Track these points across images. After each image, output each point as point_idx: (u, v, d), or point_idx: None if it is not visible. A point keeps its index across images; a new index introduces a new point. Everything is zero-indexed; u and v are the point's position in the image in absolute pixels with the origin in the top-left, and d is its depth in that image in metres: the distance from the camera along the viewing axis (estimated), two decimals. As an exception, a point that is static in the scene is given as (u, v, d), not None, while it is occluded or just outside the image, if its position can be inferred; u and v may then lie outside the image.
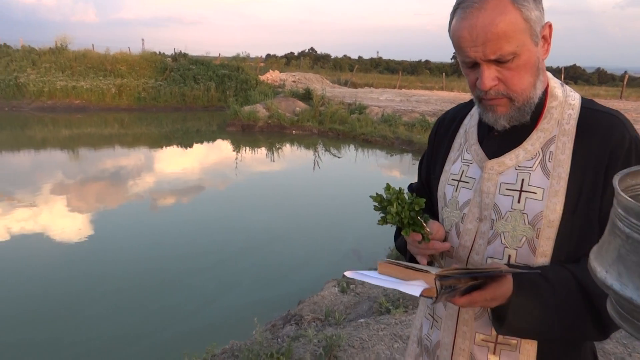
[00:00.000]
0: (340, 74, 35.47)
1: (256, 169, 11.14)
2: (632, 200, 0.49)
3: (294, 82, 24.78)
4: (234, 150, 13.49)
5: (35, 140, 14.32)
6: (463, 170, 1.15)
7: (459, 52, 1.00)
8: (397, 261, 0.99)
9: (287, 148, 13.88)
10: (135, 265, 5.46)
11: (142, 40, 29.56)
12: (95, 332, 4.10)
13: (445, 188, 1.19)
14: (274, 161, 12.18)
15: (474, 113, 1.18)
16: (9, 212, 7.26)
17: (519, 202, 1.03)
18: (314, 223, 7.35)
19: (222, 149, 14.07)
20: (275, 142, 14.25)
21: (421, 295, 0.89)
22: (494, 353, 1.07)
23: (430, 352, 1.20)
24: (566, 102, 1.08)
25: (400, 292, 0.93)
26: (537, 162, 1.04)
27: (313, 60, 44.48)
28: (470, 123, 1.21)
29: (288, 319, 4.04)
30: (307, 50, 61.45)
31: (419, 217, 1.02)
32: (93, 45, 23.08)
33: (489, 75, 0.98)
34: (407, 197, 1.01)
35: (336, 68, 41.19)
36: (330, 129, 14.92)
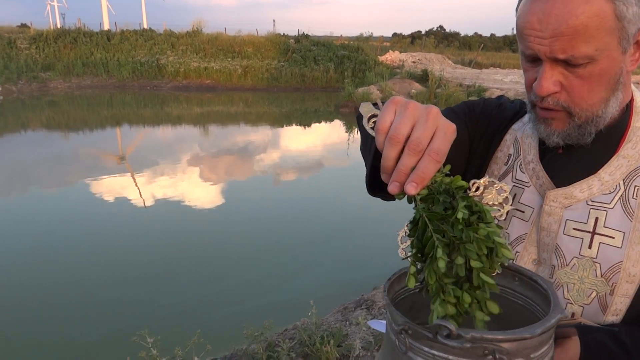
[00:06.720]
0: (466, 53, 33.92)
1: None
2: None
3: (414, 62, 24.26)
4: (346, 132, 13.77)
5: (171, 116, 16.01)
6: (515, 194, 0.93)
7: (520, 39, 0.80)
8: None
9: (399, 131, 13.78)
10: (240, 238, 5.95)
11: (274, 21, 31.04)
12: (188, 295, 4.59)
13: None
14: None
15: (527, 120, 0.96)
16: (152, 179, 8.36)
17: (589, 247, 0.83)
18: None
19: (338, 129, 14.49)
20: (387, 124, 14.23)
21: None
22: None
23: None
24: None
25: None
26: (617, 198, 0.83)
27: (439, 39, 42.98)
28: (523, 131, 0.98)
29: (360, 304, 4.17)
30: (435, 29, 59.46)
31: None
32: (225, 29, 24.76)
33: (551, 78, 0.78)
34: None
35: (463, 47, 39.41)
36: (445, 112, 14.53)
